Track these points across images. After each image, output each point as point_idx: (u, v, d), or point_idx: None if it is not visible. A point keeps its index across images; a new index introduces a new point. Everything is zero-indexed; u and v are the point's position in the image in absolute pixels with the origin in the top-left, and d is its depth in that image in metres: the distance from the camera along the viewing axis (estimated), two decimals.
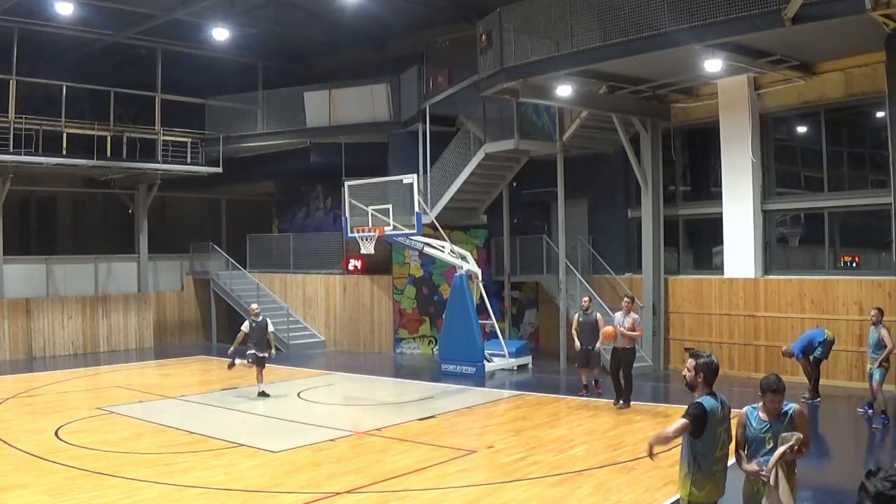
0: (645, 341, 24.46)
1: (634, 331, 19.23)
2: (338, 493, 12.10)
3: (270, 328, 21.12)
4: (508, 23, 21.67)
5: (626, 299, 19.74)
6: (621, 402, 18.82)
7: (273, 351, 21.26)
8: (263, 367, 20.93)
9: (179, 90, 31.90)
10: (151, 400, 20.88)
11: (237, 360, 20.87)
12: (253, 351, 20.80)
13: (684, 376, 7.95)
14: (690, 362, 7.89)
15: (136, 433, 16.68)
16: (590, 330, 20.25)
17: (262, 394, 20.67)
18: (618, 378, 19.05)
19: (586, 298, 21.14)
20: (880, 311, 17.21)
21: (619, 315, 19.46)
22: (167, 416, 18.46)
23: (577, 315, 20.96)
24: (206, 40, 29.73)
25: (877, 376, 16.68)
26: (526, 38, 21.37)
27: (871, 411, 17.22)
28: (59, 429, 16.80)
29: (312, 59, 35.21)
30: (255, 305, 22.21)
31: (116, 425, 17.48)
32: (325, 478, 13.03)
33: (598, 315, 20.74)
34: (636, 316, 19.44)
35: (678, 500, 8.27)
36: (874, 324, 17.01)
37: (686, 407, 7.83)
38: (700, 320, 24.07)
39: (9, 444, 15.40)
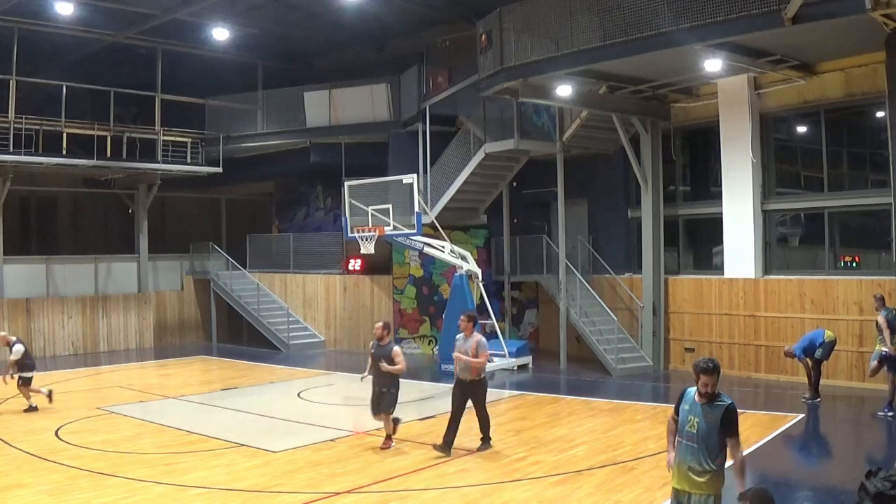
0: (645, 341, 24.50)
1: (478, 357, 14.70)
2: (338, 493, 12.10)
3: (13, 356, 19.34)
4: (508, 22, 21.66)
5: (462, 317, 15.33)
6: (448, 447, 14.70)
7: (8, 376, 19.19)
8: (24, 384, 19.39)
9: (179, 90, 31.93)
10: (152, 400, 20.88)
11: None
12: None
13: (707, 393, 8.02)
14: (710, 379, 7.98)
15: (136, 433, 16.69)
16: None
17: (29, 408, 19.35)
18: (456, 418, 14.78)
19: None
20: (881, 299, 17.67)
21: (459, 338, 15.10)
22: (167, 416, 18.49)
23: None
24: (206, 40, 29.75)
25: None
26: (526, 37, 21.35)
27: (890, 413, 17.15)
28: (59, 429, 16.82)
29: (312, 60, 35.20)
30: (2, 333, 20.49)
31: (116, 425, 17.48)
32: (325, 478, 13.05)
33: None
34: (481, 338, 14.96)
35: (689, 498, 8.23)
36: (877, 310, 17.43)
37: (726, 415, 8.01)
38: (700, 320, 24.05)
39: (9, 444, 15.41)
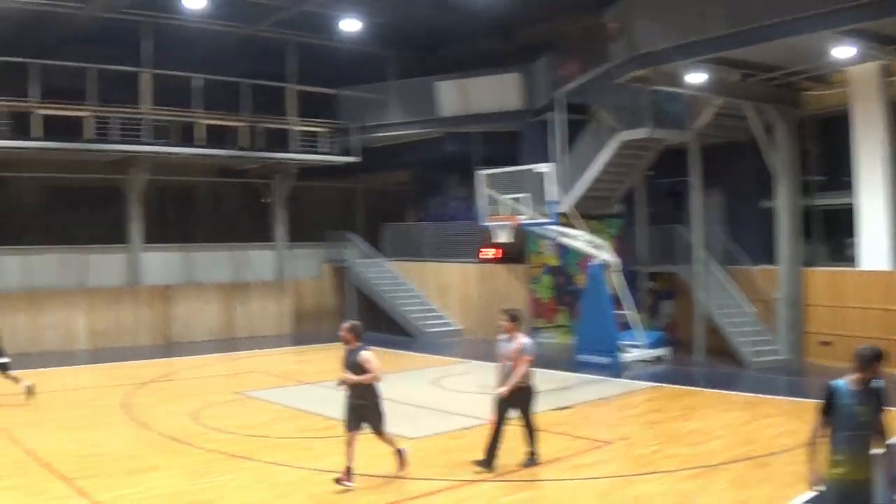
0: (781, 334, 24.03)
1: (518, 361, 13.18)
2: (472, 482, 12.26)
3: None
4: (638, 10, 21.52)
5: (504, 317, 13.66)
6: (490, 464, 12.94)
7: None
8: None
9: (308, 81, 32.47)
10: (289, 385, 21.26)
11: None
12: None
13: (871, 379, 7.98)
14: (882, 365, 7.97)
15: (273, 418, 17.11)
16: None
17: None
18: (497, 431, 13.12)
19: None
20: None
21: (503, 339, 13.50)
22: (305, 402, 18.88)
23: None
24: (336, 31, 30.17)
25: None
26: (656, 25, 21.16)
27: None
28: (196, 412, 17.35)
29: (440, 49, 35.10)
30: None
31: (254, 410, 17.93)
32: (458, 465, 13.18)
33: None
34: (525, 341, 13.32)
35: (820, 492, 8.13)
36: None
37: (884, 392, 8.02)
38: (834, 313, 23.37)
39: (147, 427, 15.91)
